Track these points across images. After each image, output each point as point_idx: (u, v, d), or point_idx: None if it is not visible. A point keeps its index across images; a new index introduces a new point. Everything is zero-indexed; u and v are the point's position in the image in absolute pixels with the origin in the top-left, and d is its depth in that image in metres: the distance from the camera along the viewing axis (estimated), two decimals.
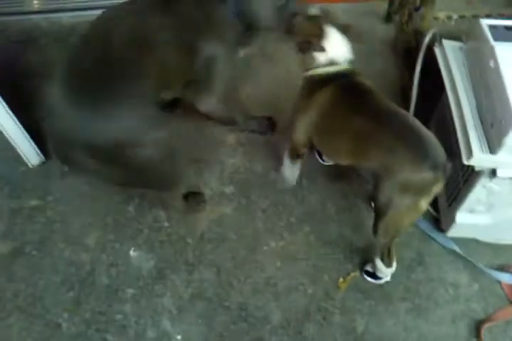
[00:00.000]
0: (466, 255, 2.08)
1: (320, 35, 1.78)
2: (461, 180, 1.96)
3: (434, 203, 2.21)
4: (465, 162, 1.72)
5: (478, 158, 1.69)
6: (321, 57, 1.80)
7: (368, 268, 2.06)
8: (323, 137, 1.89)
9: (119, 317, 2.06)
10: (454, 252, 2.11)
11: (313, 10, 1.85)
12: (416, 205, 1.67)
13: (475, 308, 1.99)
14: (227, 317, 2.02)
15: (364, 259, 2.11)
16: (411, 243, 2.16)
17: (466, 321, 1.96)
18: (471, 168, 1.81)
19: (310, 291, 2.06)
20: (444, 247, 2.14)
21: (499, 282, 2.04)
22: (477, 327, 1.93)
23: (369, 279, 2.06)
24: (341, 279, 2.07)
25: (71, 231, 2.29)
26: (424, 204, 1.68)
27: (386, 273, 1.99)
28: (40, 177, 2.46)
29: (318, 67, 1.81)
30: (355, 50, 1.86)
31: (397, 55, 2.78)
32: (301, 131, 1.93)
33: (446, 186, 2.11)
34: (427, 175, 1.57)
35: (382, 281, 2.05)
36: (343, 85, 1.77)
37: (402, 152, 1.59)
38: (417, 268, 2.10)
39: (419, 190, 1.63)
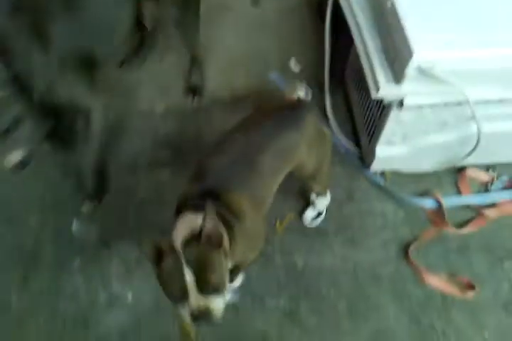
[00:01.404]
0: (389, 186, 2.26)
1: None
2: (376, 116, 2.13)
3: (357, 142, 2.39)
4: (374, 95, 1.86)
5: (386, 89, 1.83)
6: None
7: (307, 214, 2.23)
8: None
9: (69, 287, 2.14)
10: (379, 186, 2.29)
11: None
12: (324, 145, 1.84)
13: (402, 233, 2.18)
14: None
15: (300, 204, 2.26)
16: (340, 182, 2.32)
17: (396, 245, 2.16)
18: (382, 103, 1.98)
19: None
20: (370, 182, 2.31)
21: (422, 208, 2.22)
22: (405, 249, 2.12)
23: (307, 222, 2.23)
24: (277, 222, 2.22)
25: (11, 212, 2.34)
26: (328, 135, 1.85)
27: (324, 204, 2.18)
28: None
29: None
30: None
31: (312, 9, 2.92)
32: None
33: (365, 124, 2.29)
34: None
35: (318, 221, 2.21)
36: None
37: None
38: (348, 204, 2.27)
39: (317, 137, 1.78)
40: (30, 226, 2.30)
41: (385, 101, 1.91)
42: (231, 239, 1.46)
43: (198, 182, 1.60)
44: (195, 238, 1.34)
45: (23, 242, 2.26)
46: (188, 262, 1.28)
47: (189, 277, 1.27)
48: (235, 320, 2.01)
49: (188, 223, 1.41)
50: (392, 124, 2.04)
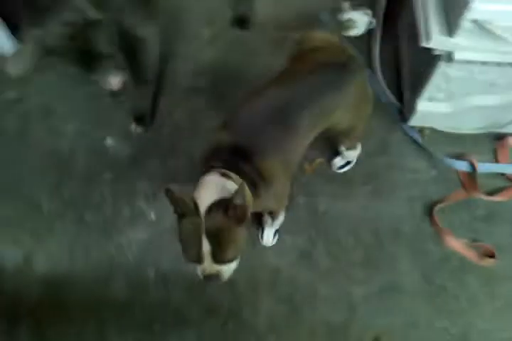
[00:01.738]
0: (425, 144, 2.06)
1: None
2: (423, 69, 1.90)
3: (400, 95, 2.16)
4: (424, 44, 1.65)
5: (437, 40, 1.62)
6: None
7: (336, 161, 2.05)
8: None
9: (96, 198, 2.07)
10: (415, 142, 2.10)
11: None
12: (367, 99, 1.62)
13: (431, 192, 2.01)
14: None
15: (330, 152, 2.08)
16: (376, 133, 2.13)
17: (422, 202, 1.99)
18: (431, 56, 1.74)
19: None
20: (406, 137, 2.11)
21: (455, 170, 2.02)
22: (431, 208, 1.95)
23: (335, 169, 2.06)
24: (307, 164, 2.05)
25: (50, 121, 2.25)
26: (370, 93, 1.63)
27: (353, 155, 1.99)
28: None
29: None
30: None
31: None
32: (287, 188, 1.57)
33: (411, 77, 2.06)
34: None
35: (346, 168, 2.03)
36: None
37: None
38: (379, 156, 2.09)
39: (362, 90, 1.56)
40: (67, 135, 2.21)
41: (435, 53, 1.69)
42: (255, 198, 1.33)
43: (230, 133, 1.39)
44: (220, 207, 1.20)
45: (59, 150, 2.17)
46: (208, 231, 1.17)
47: (206, 245, 1.17)
48: (251, 253, 1.89)
49: (216, 187, 1.26)
50: (438, 79, 1.82)
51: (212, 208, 1.20)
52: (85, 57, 1.63)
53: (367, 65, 2.23)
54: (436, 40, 1.62)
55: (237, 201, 1.19)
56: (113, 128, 2.20)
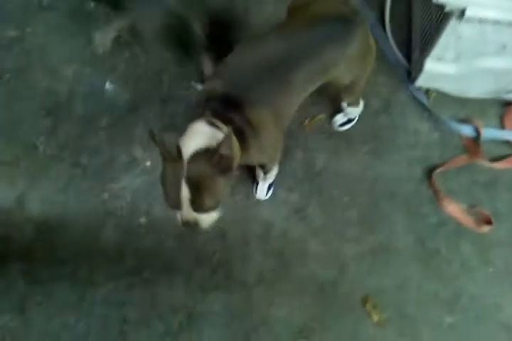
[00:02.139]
0: (430, 105, 1.83)
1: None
2: (433, 26, 1.66)
3: (408, 55, 1.91)
4: None
5: None
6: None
7: (337, 118, 1.82)
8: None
9: (93, 142, 1.88)
10: (420, 104, 1.88)
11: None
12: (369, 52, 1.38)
13: (432, 155, 1.81)
14: None
15: (332, 108, 1.85)
16: (380, 92, 1.91)
17: (422, 165, 1.79)
18: (442, 12, 1.50)
19: None
20: (411, 97, 1.87)
21: (459, 134, 1.79)
22: (430, 171, 1.75)
23: (336, 126, 1.83)
24: (307, 120, 1.82)
25: (49, 62, 2.02)
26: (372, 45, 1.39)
27: (355, 112, 1.76)
28: (19, 8, 2.08)
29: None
30: None
31: None
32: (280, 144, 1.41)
33: (421, 34, 1.80)
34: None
35: (347, 127, 1.81)
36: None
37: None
38: (382, 115, 1.87)
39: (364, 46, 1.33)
40: (66, 77, 1.98)
41: (446, 9, 1.45)
42: (243, 149, 1.20)
43: (222, 81, 1.21)
44: (204, 155, 1.07)
45: (58, 91, 1.95)
46: (188, 177, 1.04)
47: (185, 192, 1.05)
48: (244, 206, 1.71)
49: (202, 135, 1.11)
50: (448, 37, 1.59)
51: (197, 155, 1.06)
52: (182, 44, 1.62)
53: (378, 21, 1.96)
54: None
55: (223, 150, 1.05)
56: (114, 72, 1.96)
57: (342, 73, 1.34)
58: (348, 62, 1.30)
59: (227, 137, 1.04)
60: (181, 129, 1.16)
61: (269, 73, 1.20)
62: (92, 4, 2.05)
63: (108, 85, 1.95)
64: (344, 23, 1.24)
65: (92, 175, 1.81)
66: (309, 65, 1.23)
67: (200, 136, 1.10)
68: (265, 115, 1.22)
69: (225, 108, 1.17)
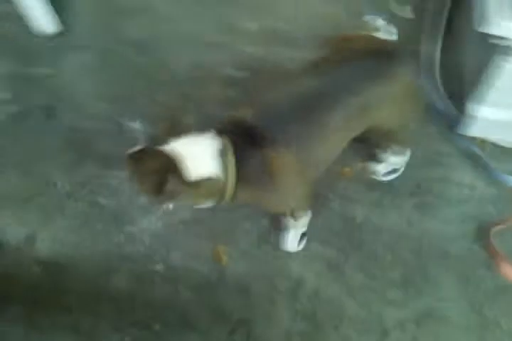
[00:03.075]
0: (485, 158, 1.74)
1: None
2: (487, 66, 1.59)
3: (458, 103, 1.86)
4: (477, 28, 1.37)
5: (502, 24, 1.32)
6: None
7: (380, 167, 1.74)
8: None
9: (114, 182, 1.83)
10: (473, 156, 1.78)
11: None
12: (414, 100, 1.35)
13: (488, 211, 1.68)
14: None
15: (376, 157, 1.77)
16: (429, 143, 1.83)
17: (477, 223, 1.66)
18: (498, 49, 1.45)
19: None
20: (462, 149, 1.80)
21: None
22: (486, 230, 1.62)
23: (379, 176, 1.75)
24: (347, 168, 1.76)
25: (78, 101, 2.04)
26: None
27: (400, 162, 1.67)
28: (55, 47, 2.19)
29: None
30: None
31: None
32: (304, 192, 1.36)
33: (472, 76, 1.75)
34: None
35: (392, 177, 1.74)
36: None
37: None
38: (431, 167, 1.78)
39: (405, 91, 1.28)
40: (93, 115, 1.99)
41: (501, 44, 1.39)
42: (248, 192, 1.17)
43: (254, 113, 1.17)
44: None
45: (84, 129, 1.95)
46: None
47: None
48: (271, 258, 1.61)
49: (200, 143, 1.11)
50: (506, 78, 1.51)
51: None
52: None
53: (427, 69, 1.95)
54: (499, 24, 1.32)
55: (170, 180, 1.03)
56: (144, 112, 1.98)
57: (385, 118, 1.27)
58: (391, 103, 1.25)
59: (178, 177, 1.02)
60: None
61: (301, 112, 1.14)
62: None
63: (138, 124, 1.97)
64: (386, 56, 1.19)
65: (110, 217, 1.74)
66: (348, 105, 1.15)
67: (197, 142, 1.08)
68: (289, 160, 1.14)
69: (247, 142, 1.11)
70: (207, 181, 1.09)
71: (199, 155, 1.09)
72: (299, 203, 1.35)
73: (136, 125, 1.97)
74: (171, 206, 1.74)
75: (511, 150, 1.77)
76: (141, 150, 1.10)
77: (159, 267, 1.64)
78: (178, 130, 1.12)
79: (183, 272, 1.63)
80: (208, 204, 1.18)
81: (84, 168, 1.86)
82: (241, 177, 1.11)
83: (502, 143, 1.79)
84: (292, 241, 1.60)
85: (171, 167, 1.05)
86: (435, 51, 1.97)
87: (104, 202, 1.79)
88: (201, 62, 2.09)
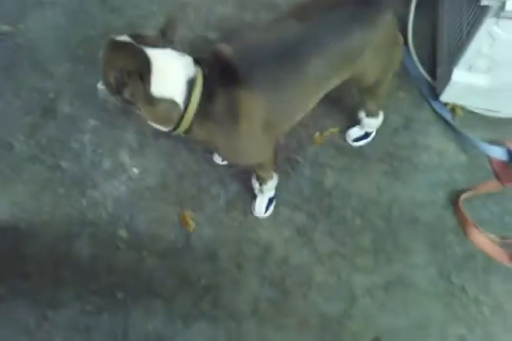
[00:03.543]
0: (457, 124, 1.70)
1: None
2: (463, 31, 1.54)
3: (432, 69, 1.80)
4: None
5: None
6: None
7: (352, 131, 1.68)
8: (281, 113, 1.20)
9: (76, 145, 1.74)
10: (445, 122, 1.74)
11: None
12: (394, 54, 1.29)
13: (457, 178, 1.65)
14: (191, 157, 1.67)
15: (348, 121, 1.72)
16: (401, 109, 1.78)
17: (446, 189, 1.63)
18: (475, 9, 1.40)
19: (282, 142, 1.68)
20: (435, 116, 1.76)
21: (488, 156, 1.66)
22: (456, 196, 1.59)
23: (351, 140, 1.69)
24: (317, 133, 1.70)
25: (40, 59, 1.91)
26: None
27: (373, 125, 1.62)
28: (14, 3, 2.01)
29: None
30: None
31: None
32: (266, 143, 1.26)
33: (450, 39, 1.69)
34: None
35: (363, 142, 1.68)
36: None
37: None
38: (402, 133, 1.73)
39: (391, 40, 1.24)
40: (56, 75, 1.87)
41: (483, 2, 1.31)
42: (207, 129, 1.11)
43: (232, 49, 1.11)
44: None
45: (46, 89, 1.83)
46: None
47: None
48: (239, 224, 1.55)
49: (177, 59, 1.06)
50: (482, 41, 1.45)
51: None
52: None
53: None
54: None
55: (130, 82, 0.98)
56: None
57: (367, 67, 1.21)
58: (374, 52, 1.17)
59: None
60: None
61: (281, 57, 1.07)
62: None
63: (100, 85, 1.84)
64: (369, 4, 1.13)
65: (72, 181, 1.66)
66: (330, 51, 1.09)
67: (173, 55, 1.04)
68: (259, 104, 1.09)
69: (219, 76, 1.06)
70: (165, 104, 1.04)
71: (169, 76, 1.04)
72: (261, 158, 1.28)
73: (100, 85, 1.84)
74: (135, 171, 1.66)
75: (483, 117, 1.73)
76: (125, 44, 1.02)
77: (123, 233, 1.57)
78: (171, 34, 1.07)
79: (148, 238, 1.56)
80: (161, 128, 1.13)
81: (46, 131, 1.77)
82: (203, 111, 1.07)
83: (474, 110, 1.74)
84: (259, 206, 1.54)
85: (142, 73, 0.99)
86: (408, 15, 1.89)
87: (66, 166, 1.70)
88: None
